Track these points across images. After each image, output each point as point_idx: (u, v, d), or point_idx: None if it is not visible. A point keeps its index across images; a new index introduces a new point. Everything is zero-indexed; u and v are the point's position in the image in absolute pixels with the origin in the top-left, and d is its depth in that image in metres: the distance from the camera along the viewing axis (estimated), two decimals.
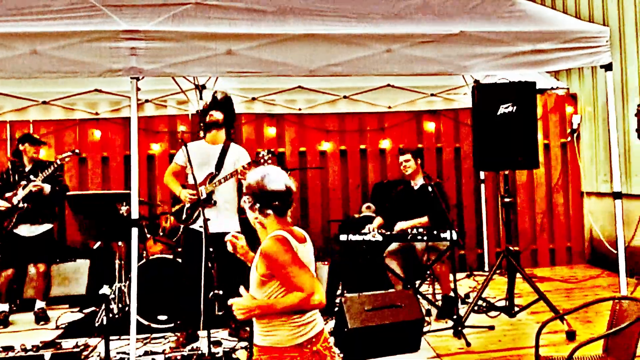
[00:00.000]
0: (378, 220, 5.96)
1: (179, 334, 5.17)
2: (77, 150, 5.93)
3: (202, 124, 5.26)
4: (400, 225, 5.65)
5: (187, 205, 5.11)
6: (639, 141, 6.63)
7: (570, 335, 4.88)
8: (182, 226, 5.20)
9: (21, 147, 6.01)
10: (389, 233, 5.48)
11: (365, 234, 5.44)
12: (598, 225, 7.84)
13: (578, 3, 8.11)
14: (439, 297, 5.82)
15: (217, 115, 5.21)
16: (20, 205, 5.82)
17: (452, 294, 5.60)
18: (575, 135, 8.19)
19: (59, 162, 5.82)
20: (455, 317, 5.12)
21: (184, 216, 5.15)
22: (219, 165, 5.17)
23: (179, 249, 5.77)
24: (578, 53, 4.88)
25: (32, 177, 5.86)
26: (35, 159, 6.02)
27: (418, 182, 5.93)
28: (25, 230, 5.94)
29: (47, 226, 6.05)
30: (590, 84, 7.99)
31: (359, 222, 6.52)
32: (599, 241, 7.74)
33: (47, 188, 5.86)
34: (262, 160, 5.02)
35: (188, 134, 4.96)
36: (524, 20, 4.90)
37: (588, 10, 7.82)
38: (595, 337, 3.22)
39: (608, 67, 4.96)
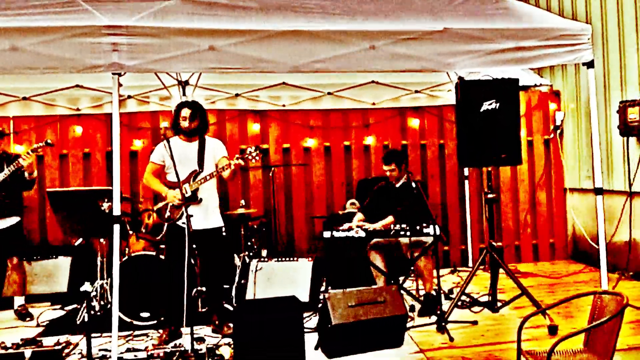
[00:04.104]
0: (358, 217, 5.96)
1: (161, 331, 5.14)
2: (49, 141, 5.71)
3: (182, 130, 5.18)
4: (372, 226, 5.62)
5: (172, 204, 5.06)
6: (621, 138, 6.71)
7: (552, 330, 4.91)
8: (166, 223, 5.16)
9: None
10: (371, 229, 5.48)
11: (347, 231, 5.43)
12: (580, 221, 7.90)
13: (561, 1, 8.16)
14: (422, 292, 5.83)
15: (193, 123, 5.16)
16: None
17: (434, 292, 5.61)
18: (558, 131, 8.24)
19: (29, 153, 5.66)
20: (438, 312, 5.14)
21: (167, 213, 5.11)
22: (200, 161, 5.14)
23: (162, 246, 5.73)
24: (560, 50, 4.90)
25: None
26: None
27: (400, 180, 5.94)
28: None
29: (15, 219, 5.92)
30: (573, 81, 8.04)
31: (343, 219, 6.52)
32: (582, 237, 7.81)
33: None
34: (249, 157, 4.99)
35: (170, 130, 4.90)
36: (507, 18, 4.91)
37: (571, 8, 7.87)
38: (576, 332, 3.23)
39: (590, 65, 4.99)
